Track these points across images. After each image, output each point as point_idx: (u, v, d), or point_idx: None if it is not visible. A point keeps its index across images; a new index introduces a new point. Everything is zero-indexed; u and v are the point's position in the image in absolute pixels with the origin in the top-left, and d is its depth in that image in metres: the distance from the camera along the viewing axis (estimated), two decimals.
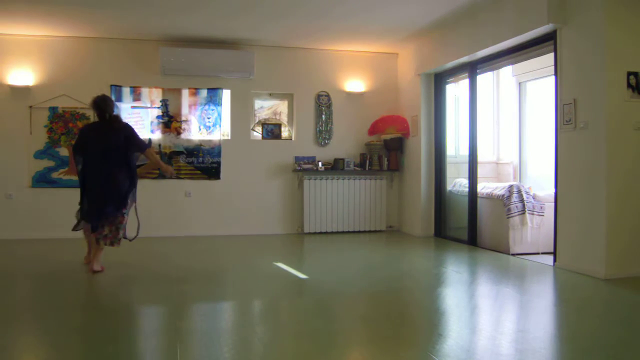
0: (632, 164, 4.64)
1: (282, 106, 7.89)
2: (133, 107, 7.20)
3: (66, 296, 4.18)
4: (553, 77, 5.18)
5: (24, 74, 6.91)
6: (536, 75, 7.18)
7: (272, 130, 7.72)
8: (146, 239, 7.00)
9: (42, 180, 6.97)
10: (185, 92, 7.36)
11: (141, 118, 7.22)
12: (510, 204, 5.91)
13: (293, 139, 7.76)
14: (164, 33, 6.93)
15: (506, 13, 5.50)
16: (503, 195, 6.02)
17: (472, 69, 6.55)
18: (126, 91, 7.18)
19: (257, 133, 7.74)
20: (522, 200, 5.91)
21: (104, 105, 4.90)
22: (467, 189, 6.62)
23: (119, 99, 7.15)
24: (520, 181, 7.31)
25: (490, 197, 6.28)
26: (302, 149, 7.70)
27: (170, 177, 5.37)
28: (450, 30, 6.53)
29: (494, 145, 7.92)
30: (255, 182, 7.56)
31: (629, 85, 4.61)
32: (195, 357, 2.81)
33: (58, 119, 6.99)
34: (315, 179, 7.57)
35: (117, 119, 4.99)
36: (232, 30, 6.80)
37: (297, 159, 7.62)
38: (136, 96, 7.22)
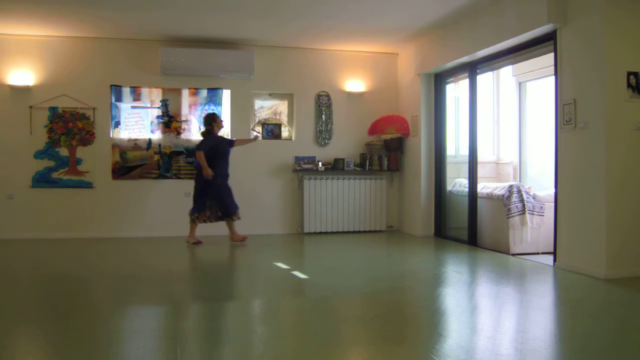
0: (632, 163, 4.64)
1: (282, 106, 7.89)
2: (133, 107, 7.20)
3: (66, 297, 4.18)
4: (553, 77, 5.18)
5: (24, 74, 6.92)
6: (536, 75, 7.17)
7: (272, 130, 7.72)
8: (146, 238, 7.02)
9: (42, 180, 6.97)
10: (185, 92, 7.36)
11: (141, 118, 7.22)
12: (510, 204, 5.91)
13: (293, 139, 7.76)
14: (164, 33, 6.93)
15: (506, 13, 5.50)
16: (503, 195, 6.02)
17: (472, 69, 6.55)
18: (126, 91, 7.18)
19: (257, 133, 7.74)
20: (522, 200, 5.90)
21: (203, 122, 6.71)
22: (467, 189, 6.62)
23: (119, 99, 7.15)
24: (520, 181, 7.31)
25: (490, 197, 6.28)
26: (302, 149, 7.70)
27: (208, 179, 6.41)
28: (450, 30, 6.53)
29: (494, 145, 7.91)
30: (255, 182, 7.56)
31: (629, 85, 4.61)
32: (195, 357, 2.81)
33: (58, 119, 6.98)
34: (315, 179, 7.56)
35: (204, 130, 6.64)
36: (232, 30, 6.80)
37: (297, 159, 7.62)
38: (136, 96, 7.22)
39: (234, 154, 7.52)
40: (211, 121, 6.51)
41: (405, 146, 7.81)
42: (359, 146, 7.90)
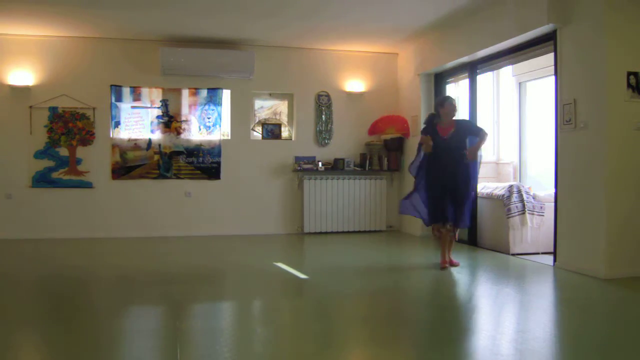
0: (632, 164, 4.64)
1: (282, 106, 7.89)
2: (133, 107, 7.20)
3: (66, 296, 4.18)
4: (553, 77, 5.18)
5: (24, 74, 6.91)
6: (536, 75, 7.17)
7: (272, 130, 7.72)
8: (146, 238, 7.02)
9: (42, 180, 6.96)
10: (185, 92, 7.36)
11: (141, 118, 7.21)
12: (510, 204, 5.91)
13: (293, 139, 7.76)
14: (164, 33, 6.93)
15: (506, 13, 5.50)
16: (503, 195, 6.02)
17: (472, 69, 6.55)
18: (126, 91, 7.18)
19: (257, 133, 7.74)
20: (522, 200, 5.90)
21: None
22: None
23: (119, 99, 7.15)
24: (520, 181, 7.30)
25: (490, 197, 6.28)
26: (302, 149, 7.70)
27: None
28: (450, 30, 6.53)
29: (494, 145, 7.91)
30: (255, 182, 7.56)
31: (629, 85, 4.61)
32: (195, 357, 2.82)
33: (58, 119, 6.98)
34: (315, 179, 7.56)
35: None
36: (232, 30, 6.80)
37: (297, 159, 7.61)
38: (136, 96, 7.21)
39: (233, 153, 7.52)
40: (436, 106, 5.27)
41: (405, 146, 7.81)
42: (359, 146, 7.90)
